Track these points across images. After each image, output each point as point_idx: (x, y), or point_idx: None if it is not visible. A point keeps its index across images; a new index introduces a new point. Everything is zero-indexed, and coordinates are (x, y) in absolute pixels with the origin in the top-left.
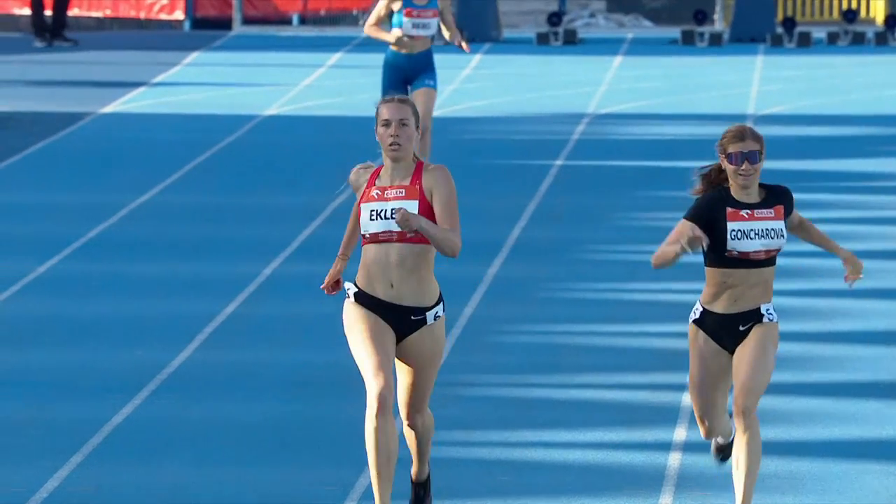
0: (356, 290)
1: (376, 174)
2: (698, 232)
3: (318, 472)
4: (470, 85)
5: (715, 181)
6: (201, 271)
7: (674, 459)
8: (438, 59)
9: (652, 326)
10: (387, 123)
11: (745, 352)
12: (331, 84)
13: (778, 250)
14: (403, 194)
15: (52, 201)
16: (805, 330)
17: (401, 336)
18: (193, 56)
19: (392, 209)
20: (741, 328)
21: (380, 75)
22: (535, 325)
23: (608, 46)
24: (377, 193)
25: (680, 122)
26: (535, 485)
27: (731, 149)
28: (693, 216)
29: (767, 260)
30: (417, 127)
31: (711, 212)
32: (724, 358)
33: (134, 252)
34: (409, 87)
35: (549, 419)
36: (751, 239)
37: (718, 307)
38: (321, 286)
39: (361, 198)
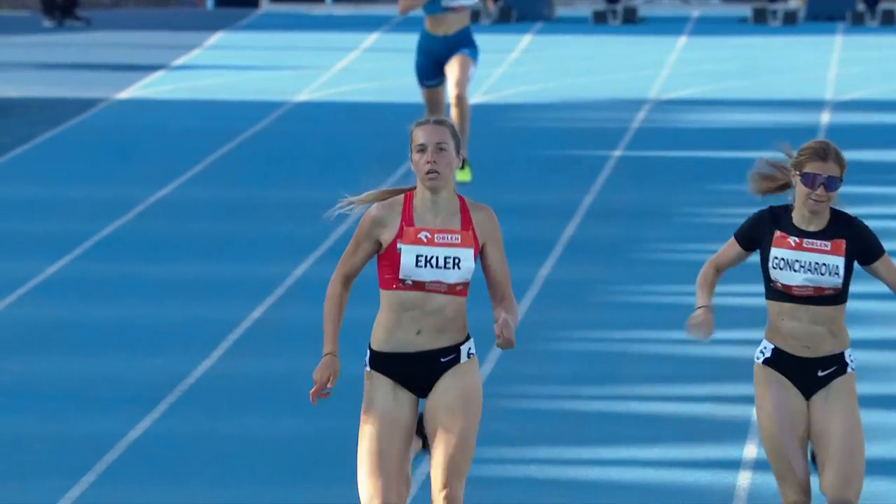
0: (372, 353)
1: (409, 206)
2: (699, 326)
3: (354, 493)
4: (520, 68)
5: (776, 188)
6: (225, 272)
7: (743, 479)
8: (484, 39)
9: (719, 333)
10: (422, 148)
11: (831, 425)
12: (367, 67)
13: (834, 291)
14: (459, 241)
15: (63, 196)
16: (887, 336)
17: (428, 388)
18: (217, 37)
19: (447, 258)
20: (820, 373)
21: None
22: (591, 331)
23: (672, 26)
24: (426, 236)
25: (750, 109)
26: None
27: (809, 168)
28: (740, 234)
29: (822, 298)
30: (458, 152)
31: (759, 232)
32: (801, 401)
33: (152, 251)
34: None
35: (605, 435)
36: (794, 271)
37: (787, 347)
38: (311, 391)
39: (399, 236)
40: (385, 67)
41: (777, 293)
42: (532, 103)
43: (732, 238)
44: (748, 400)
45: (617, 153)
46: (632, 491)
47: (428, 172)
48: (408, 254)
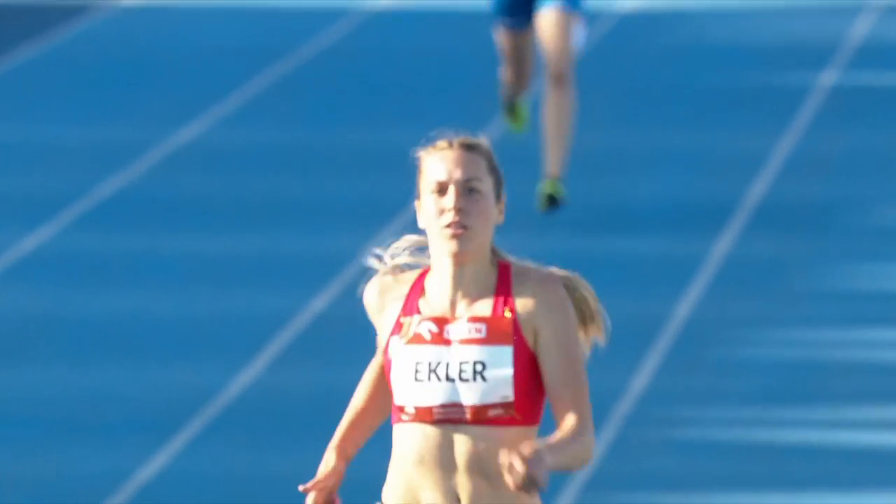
0: None
1: (419, 285)
2: None
3: None
4: None
5: None
6: (274, 247)
7: None
8: None
9: None
10: (441, 189)
11: None
12: None
13: None
14: (483, 334)
15: (44, 139)
16: None
17: None
18: None
19: (464, 363)
20: None
21: None
22: (786, 330)
23: None
24: (432, 330)
25: None
26: None
27: None
28: None
29: None
30: (500, 195)
31: None
32: None
33: (171, 219)
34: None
35: (808, 475)
36: None
37: None
38: (301, 488)
39: (395, 331)
40: None
41: None
42: (702, 10)
43: None
44: None
45: (827, 80)
46: None
47: (449, 226)
48: (403, 359)
